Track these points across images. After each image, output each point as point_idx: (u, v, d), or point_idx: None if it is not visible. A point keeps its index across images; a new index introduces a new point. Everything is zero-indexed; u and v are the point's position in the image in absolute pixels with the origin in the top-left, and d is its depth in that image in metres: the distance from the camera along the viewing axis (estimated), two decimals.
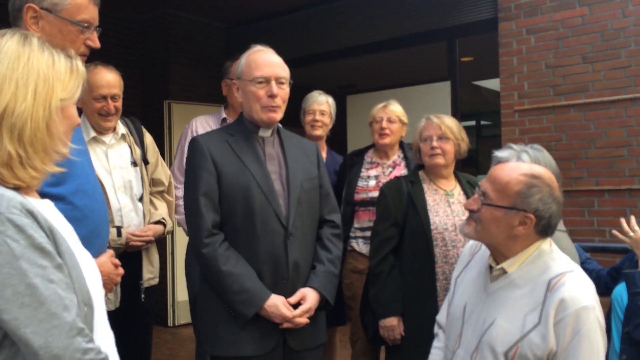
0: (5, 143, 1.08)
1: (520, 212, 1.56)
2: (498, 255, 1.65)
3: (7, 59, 1.11)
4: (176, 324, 5.66)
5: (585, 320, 1.46)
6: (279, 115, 2.10)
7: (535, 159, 2.11)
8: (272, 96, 2.04)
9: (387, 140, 3.21)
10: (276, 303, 1.96)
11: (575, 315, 1.46)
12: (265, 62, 2.07)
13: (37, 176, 1.14)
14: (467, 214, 2.45)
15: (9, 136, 1.08)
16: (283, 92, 2.08)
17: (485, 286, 1.69)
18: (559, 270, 1.56)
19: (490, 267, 1.69)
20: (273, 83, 2.04)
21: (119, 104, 2.64)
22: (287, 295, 2.02)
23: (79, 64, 1.22)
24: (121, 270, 1.76)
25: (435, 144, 2.53)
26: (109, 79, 2.60)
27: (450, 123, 2.57)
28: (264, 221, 2.01)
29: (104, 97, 2.57)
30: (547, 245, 1.63)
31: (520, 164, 1.68)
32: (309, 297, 2.04)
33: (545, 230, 1.59)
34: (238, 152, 2.06)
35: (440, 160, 2.54)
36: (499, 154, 2.23)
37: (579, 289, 1.51)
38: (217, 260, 1.95)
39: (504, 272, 1.63)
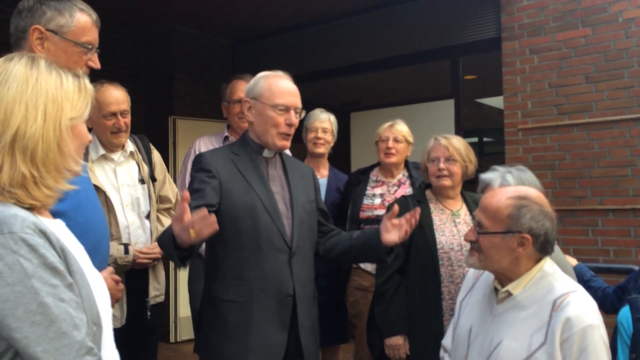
0: (19, 164, 1.09)
1: (516, 234, 1.61)
2: (503, 278, 1.69)
3: (15, 82, 1.12)
4: (178, 340, 5.64)
5: (592, 338, 1.50)
6: (289, 143, 2.16)
7: (518, 179, 2.14)
8: (290, 125, 2.10)
9: (393, 159, 3.22)
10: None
11: (581, 333, 1.50)
12: (287, 90, 2.13)
13: (51, 195, 1.15)
14: None
15: (21, 157, 1.10)
16: (297, 121, 2.16)
17: (491, 308, 1.72)
18: (563, 290, 1.60)
19: (496, 290, 1.72)
20: (292, 112, 2.11)
21: (128, 119, 2.66)
22: (290, 312, 2.04)
23: (87, 82, 1.24)
24: (121, 286, 1.78)
25: (442, 165, 2.55)
26: (117, 95, 2.62)
27: (457, 144, 2.59)
28: (269, 240, 2.03)
29: (114, 114, 2.58)
30: (549, 266, 1.68)
31: (507, 188, 1.74)
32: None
33: (544, 247, 1.64)
34: (243, 171, 2.09)
35: (447, 182, 2.56)
36: (484, 176, 2.27)
37: (583, 308, 1.55)
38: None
39: (509, 294, 1.66)
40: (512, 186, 1.80)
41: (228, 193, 2.04)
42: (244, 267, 2.02)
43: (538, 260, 1.66)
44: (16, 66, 1.14)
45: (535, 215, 1.61)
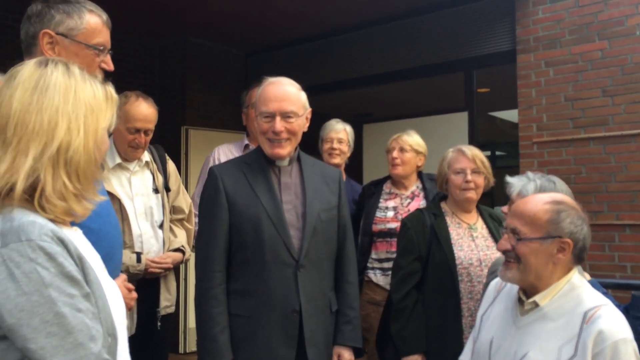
0: (63, 178, 1.08)
1: (556, 239, 1.56)
2: (531, 289, 1.64)
3: (57, 93, 1.11)
4: (187, 351, 5.60)
5: (625, 353, 1.46)
6: (285, 150, 2.07)
7: (541, 189, 2.02)
8: (275, 132, 2.03)
9: (398, 170, 3.18)
10: None
11: (613, 347, 1.46)
12: (272, 96, 2.06)
13: (89, 207, 1.15)
14: (491, 248, 2.46)
15: (65, 170, 1.09)
16: (291, 126, 2.06)
17: (514, 320, 1.67)
18: (594, 303, 1.56)
19: (520, 301, 1.67)
20: (277, 119, 2.03)
21: (149, 138, 2.65)
22: (297, 328, 2.00)
23: (112, 90, 1.23)
24: (135, 295, 1.75)
25: (469, 177, 2.49)
26: (147, 113, 2.61)
27: (482, 157, 2.55)
28: (273, 253, 1.99)
29: (138, 130, 2.58)
30: (577, 278, 1.63)
31: (540, 195, 1.69)
32: (345, 356, 2.10)
33: (581, 254, 1.60)
34: (252, 182, 2.05)
35: (472, 194, 2.51)
36: (510, 179, 2.17)
37: (615, 322, 1.50)
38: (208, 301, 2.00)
39: (535, 305, 1.62)
40: (545, 193, 1.75)
41: (234, 206, 2.02)
42: (249, 282, 2.00)
43: (569, 270, 1.62)
44: (54, 74, 1.13)
45: (574, 220, 1.57)
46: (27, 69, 1.14)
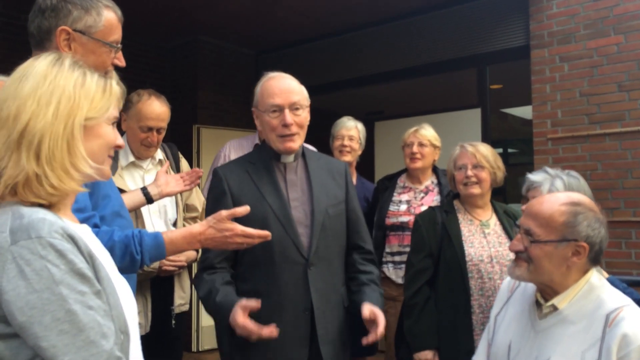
0: (23, 162, 1.06)
1: (572, 242, 1.51)
2: (548, 291, 1.59)
3: (33, 78, 1.10)
4: (200, 349, 5.62)
5: None
6: (296, 143, 2.03)
7: (569, 186, 2.00)
8: (286, 125, 1.99)
9: (418, 164, 3.18)
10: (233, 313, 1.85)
11: (639, 350, 1.41)
12: (277, 89, 2.01)
13: (55, 193, 1.10)
14: (503, 245, 2.43)
15: (26, 154, 1.06)
16: (299, 118, 2.02)
17: (533, 324, 1.62)
18: (616, 304, 1.51)
19: (538, 304, 1.63)
20: (286, 111, 1.99)
21: (162, 136, 2.65)
22: (309, 326, 1.98)
23: (114, 84, 1.20)
24: (233, 227, 1.67)
25: (470, 172, 2.48)
26: (159, 112, 2.59)
27: (485, 151, 2.52)
28: (282, 253, 1.96)
29: (150, 129, 2.57)
30: (596, 278, 1.58)
31: (557, 194, 1.63)
32: (378, 311, 1.95)
33: (597, 256, 1.55)
34: (257, 181, 2.02)
35: (475, 189, 2.49)
36: (532, 176, 2.14)
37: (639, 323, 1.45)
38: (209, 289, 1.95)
39: (554, 308, 1.57)
40: (561, 192, 1.69)
41: (240, 207, 2.00)
42: (259, 283, 1.97)
43: (585, 272, 1.57)
44: (40, 63, 1.12)
45: (592, 223, 1.51)
46: (24, 64, 1.13)
